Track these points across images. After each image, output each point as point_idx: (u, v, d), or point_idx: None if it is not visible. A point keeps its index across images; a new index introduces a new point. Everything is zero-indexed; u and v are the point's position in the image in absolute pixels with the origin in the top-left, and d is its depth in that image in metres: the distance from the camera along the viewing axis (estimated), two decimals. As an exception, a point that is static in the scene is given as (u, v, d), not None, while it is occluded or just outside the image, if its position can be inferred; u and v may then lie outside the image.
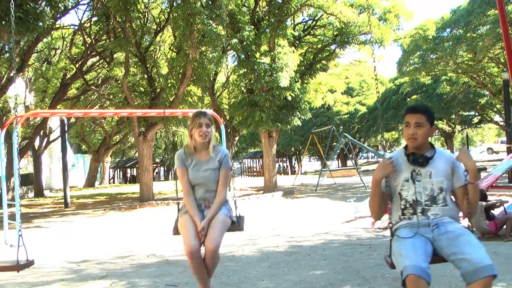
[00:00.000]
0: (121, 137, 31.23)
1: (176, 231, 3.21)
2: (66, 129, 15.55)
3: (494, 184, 7.62)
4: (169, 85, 14.69)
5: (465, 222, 2.52)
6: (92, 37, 16.54)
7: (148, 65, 15.36)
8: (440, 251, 2.43)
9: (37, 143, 20.82)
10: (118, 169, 42.43)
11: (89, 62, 19.07)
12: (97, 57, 18.30)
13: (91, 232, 9.02)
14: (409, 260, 2.26)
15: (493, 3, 16.51)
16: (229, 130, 17.90)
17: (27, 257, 4.41)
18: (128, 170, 40.85)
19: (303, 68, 16.51)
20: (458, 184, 2.54)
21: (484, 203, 6.02)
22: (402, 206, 2.58)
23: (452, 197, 2.59)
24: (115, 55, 16.62)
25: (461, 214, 2.66)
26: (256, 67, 13.70)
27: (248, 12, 15.76)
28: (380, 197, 2.61)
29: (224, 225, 3.08)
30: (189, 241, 2.92)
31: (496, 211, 6.35)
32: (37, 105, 19.88)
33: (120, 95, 18.75)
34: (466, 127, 37.27)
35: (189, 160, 3.19)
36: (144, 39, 15.52)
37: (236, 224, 3.28)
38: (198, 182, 3.17)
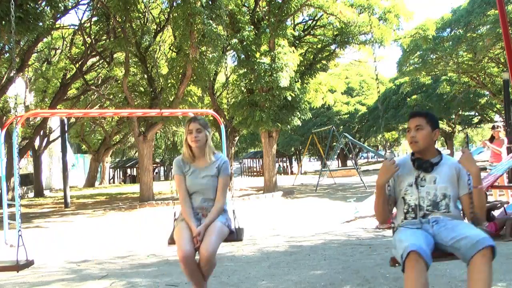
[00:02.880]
0: (121, 137, 31.25)
1: (171, 241, 3.05)
2: (66, 129, 15.55)
3: (494, 184, 7.61)
4: (169, 85, 14.69)
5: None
6: (92, 37, 16.54)
7: (148, 65, 15.35)
8: (441, 242, 2.41)
9: (37, 143, 20.82)
10: (118, 169, 42.43)
11: (89, 62, 19.08)
12: (97, 57, 18.30)
13: (91, 232, 9.02)
14: (410, 242, 2.25)
15: (493, 3, 16.51)
16: (229, 130, 17.90)
17: (27, 257, 4.41)
18: (128, 170, 40.87)
19: (303, 68, 16.50)
20: (463, 191, 2.54)
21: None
22: (405, 210, 2.58)
23: (459, 204, 2.59)
24: (115, 55, 16.62)
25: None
26: (256, 67, 13.69)
27: (248, 12, 15.75)
28: (385, 201, 2.59)
29: (221, 233, 2.97)
30: (183, 246, 2.80)
31: (496, 212, 6.34)
32: (37, 105, 19.88)
33: (120, 95, 18.75)
34: (466, 127, 37.29)
35: (187, 167, 3.13)
36: (144, 39, 15.51)
37: (234, 235, 3.18)
38: (196, 189, 3.08)
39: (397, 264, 2.43)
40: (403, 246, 2.27)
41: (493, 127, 8.71)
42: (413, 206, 2.55)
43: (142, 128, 15.19)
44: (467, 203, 2.51)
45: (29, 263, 4.42)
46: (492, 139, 8.60)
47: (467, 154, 2.49)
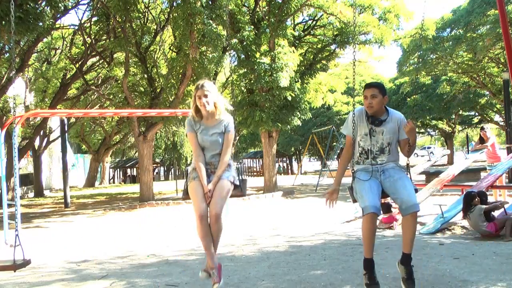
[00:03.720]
0: (121, 137, 31.24)
1: (186, 196, 3.54)
2: (66, 129, 15.55)
3: (494, 184, 7.62)
4: (169, 85, 14.69)
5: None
6: (92, 37, 16.54)
7: (148, 65, 15.35)
8: (385, 190, 3.39)
9: (37, 143, 20.82)
10: (118, 169, 42.41)
11: (89, 62, 19.07)
12: (97, 57, 18.29)
13: (91, 232, 9.01)
14: (368, 201, 3.19)
15: (493, 3, 16.51)
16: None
17: (24, 256, 4.40)
18: (128, 170, 40.87)
19: (303, 68, 16.49)
20: (402, 137, 3.47)
21: (484, 206, 6.00)
22: (359, 151, 3.51)
23: (398, 147, 3.55)
24: (115, 55, 16.62)
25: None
26: (256, 67, 13.68)
27: (248, 12, 15.74)
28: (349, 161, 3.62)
29: (227, 191, 3.43)
30: (199, 205, 3.28)
31: (496, 212, 6.34)
32: (37, 105, 19.87)
33: (120, 95, 18.75)
34: (466, 127, 37.26)
35: (198, 125, 3.53)
36: (144, 39, 15.51)
37: (239, 188, 3.63)
38: (205, 145, 3.50)
39: (354, 199, 3.53)
40: (364, 202, 3.21)
41: (481, 128, 9.15)
42: (366, 150, 3.48)
43: (142, 128, 15.19)
44: (404, 145, 3.48)
45: (26, 263, 4.41)
46: (481, 139, 8.93)
47: (411, 126, 3.29)
